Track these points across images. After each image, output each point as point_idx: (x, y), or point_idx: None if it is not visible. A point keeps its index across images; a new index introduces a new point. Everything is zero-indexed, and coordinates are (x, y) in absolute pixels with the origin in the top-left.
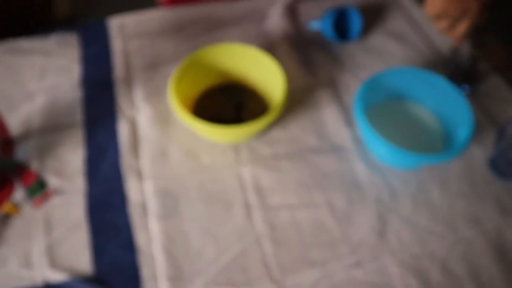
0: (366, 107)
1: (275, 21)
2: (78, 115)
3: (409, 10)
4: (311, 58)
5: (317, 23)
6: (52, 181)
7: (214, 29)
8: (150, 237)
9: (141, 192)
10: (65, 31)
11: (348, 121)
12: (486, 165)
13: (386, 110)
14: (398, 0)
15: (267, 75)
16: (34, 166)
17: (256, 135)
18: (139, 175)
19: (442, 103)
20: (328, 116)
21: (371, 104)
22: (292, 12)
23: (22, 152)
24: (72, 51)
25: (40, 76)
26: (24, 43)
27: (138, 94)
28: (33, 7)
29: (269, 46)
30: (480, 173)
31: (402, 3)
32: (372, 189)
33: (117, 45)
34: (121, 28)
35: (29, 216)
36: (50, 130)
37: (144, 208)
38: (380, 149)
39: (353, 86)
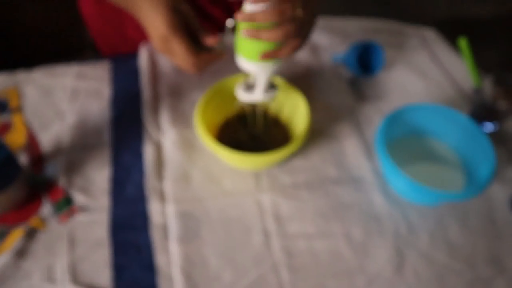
0: (387, 141)
1: (299, 54)
2: (105, 136)
3: (432, 47)
4: (334, 90)
5: (341, 56)
6: (78, 198)
7: None
8: (170, 258)
9: (163, 214)
10: (96, 56)
11: (369, 154)
12: (507, 204)
13: (407, 145)
14: (423, 36)
15: (290, 104)
16: (62, 183)
17: (277, 163)
18: (162, 197)
19: (464, 140)
20: (349, 147)
21: (392, 139)
22: (316, 45)
23: (51, 169)
24: (103, 75)
25: (71, 97)
26: (59, 67)
27: (164, 119)
28: (63, 32)
29: (293, 77)
30: (500, 212)
31: (426, 39)
32: (390, 222)
33: (145, 71)
34: (149, 55)
35: (54, 231)
36: (78, 149)
37: (165, 230)
38: (400, 183)
39: (374, 119)
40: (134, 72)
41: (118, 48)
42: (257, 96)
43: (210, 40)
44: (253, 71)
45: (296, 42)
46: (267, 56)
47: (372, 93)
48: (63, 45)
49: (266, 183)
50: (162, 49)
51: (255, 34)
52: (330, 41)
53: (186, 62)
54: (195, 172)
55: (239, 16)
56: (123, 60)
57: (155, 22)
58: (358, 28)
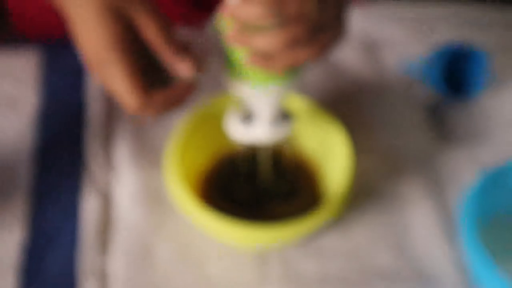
0: (484, 216)
1: (345, 56)
2: (22, 176)
3: None
4: (398, 119)
5: (418, 65)
6: None
7: None
8: None
9: None
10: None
11: (450, 233)
12: None
13: None
14: None
15: (321, 143)
16: None
17: (296, 240)
18: (104, 283)
19: None
20: (417, 220)
21: (493, 213)
22: (373, 41)
23: None
24: (26, 70)
25: None
26: None
27: (121, 151)
28: None
29: (330, 97)
30: None
31: None
32: None
33: None
34: None
35: None
36: None
37: None
38: None
39: (464, 173)
40: (76, 69)
41: (51, 27)
42: (259, 133)
43: (184, 68)
44: (249, 97)
45: (306, 51)
46: (254, 62)
47: (465, 129)
48: None
49: (276, 272)
50: (96, 71)
51: (243, 39)
52: (399, 38)
53: (128, 99)
54: (162, 246)
55: (223, 11)
56: (62, 48)
57: (85, 27)
58: (445, 18)
